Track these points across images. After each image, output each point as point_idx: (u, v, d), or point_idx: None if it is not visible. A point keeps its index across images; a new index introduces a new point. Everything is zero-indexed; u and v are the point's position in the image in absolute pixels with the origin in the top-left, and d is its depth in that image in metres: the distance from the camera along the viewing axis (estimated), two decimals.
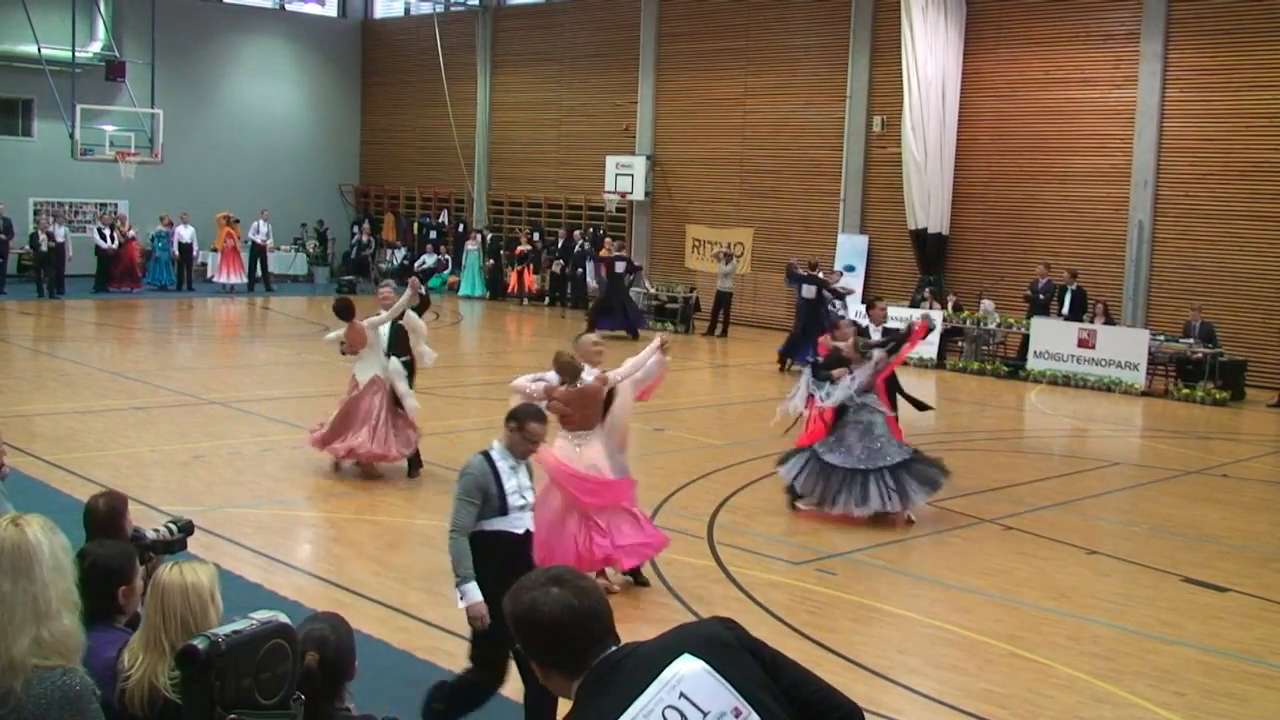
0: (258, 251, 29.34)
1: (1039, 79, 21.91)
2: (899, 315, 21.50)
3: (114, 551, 3.85)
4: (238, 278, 28.91)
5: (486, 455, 5.92)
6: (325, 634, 3.50)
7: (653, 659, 2.54)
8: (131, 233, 28.12)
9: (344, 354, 11.58)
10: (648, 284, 26.47)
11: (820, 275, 20.07)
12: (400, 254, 32.68)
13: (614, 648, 2.58)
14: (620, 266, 23.61)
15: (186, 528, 4.38)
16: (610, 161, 27.67)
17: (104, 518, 4.31)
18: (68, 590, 3.07)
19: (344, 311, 11.34)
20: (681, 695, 2.47)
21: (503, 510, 5.85)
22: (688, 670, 2.50)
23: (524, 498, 5.96)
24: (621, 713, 2.46)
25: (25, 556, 3.02)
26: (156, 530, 4.30)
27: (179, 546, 4.31)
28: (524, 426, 5.93)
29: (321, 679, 3.39)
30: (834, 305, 19.24)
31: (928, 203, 22.47)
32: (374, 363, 11.22)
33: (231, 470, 11.62)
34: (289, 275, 31.03)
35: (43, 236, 26.05)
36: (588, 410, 8.23)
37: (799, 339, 19.15)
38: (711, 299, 24.66)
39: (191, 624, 3.30)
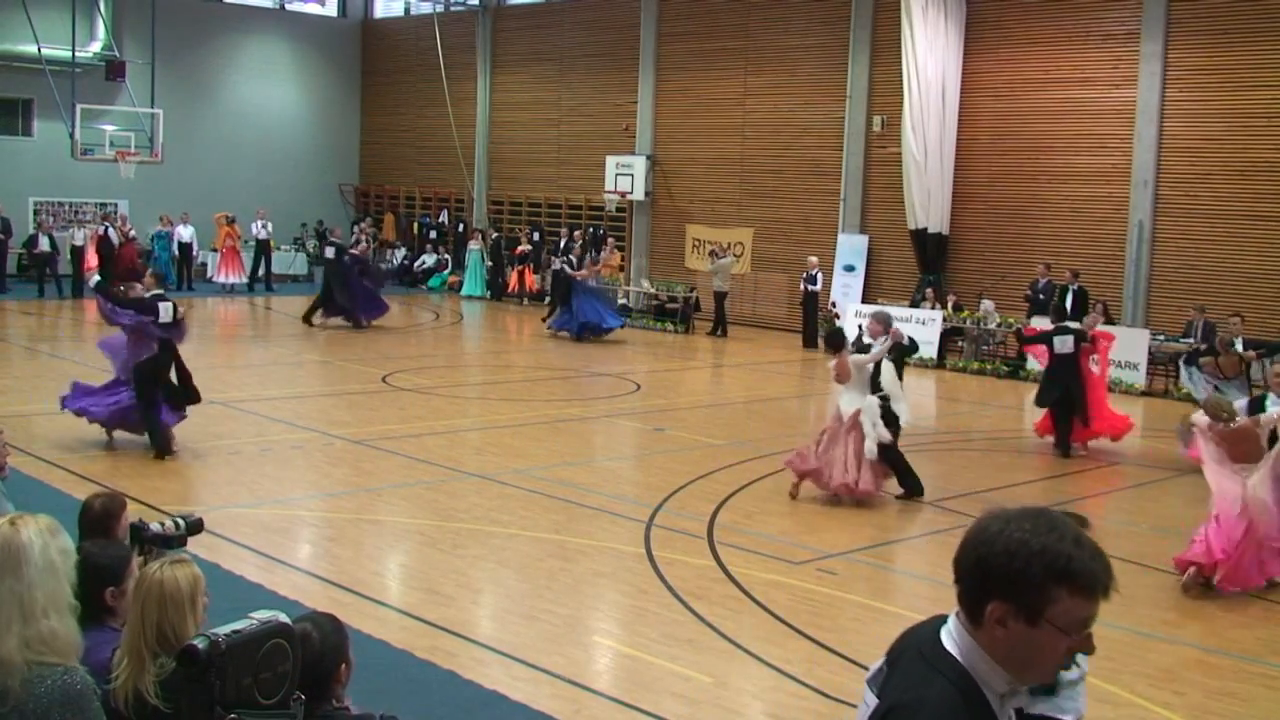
0: (262, 250, 29.34)
1: (1039, 79, 21.91)
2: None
3: (106, 551, 3.83)
4: (237, 278, 28.94)
5: None
6: (308, 632, 3.47)
7: (896, 676, 2.37)
8: (132, 233, 28.12)
9: (837, 381, 11.29)
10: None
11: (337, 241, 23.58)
12: (400, 254, 32.70)
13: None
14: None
15: (194, 526, 4.33)
16: (610, 161, 27.68)
17: (97, 518, 4.29)
18: (57, 591, 3.05)
19: (835, 343, 11.26)
20: None
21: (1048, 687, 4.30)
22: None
23: (1079, 664, 4.41)
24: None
25: (14, 556, 3.01)
26: (162, 524, 4.29)
27: (178, 543, 4.27)
28: None
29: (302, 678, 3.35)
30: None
31: (928, 202, 22.48)
32: (858, 397, 11.03)
33: (231, 470, 11.62)
34: (289, 275, 31.03)
35: (43, 239, 26.08)
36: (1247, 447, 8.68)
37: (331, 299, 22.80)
38: (710, 299, 24.68)
39: (169, 633, 3.27)
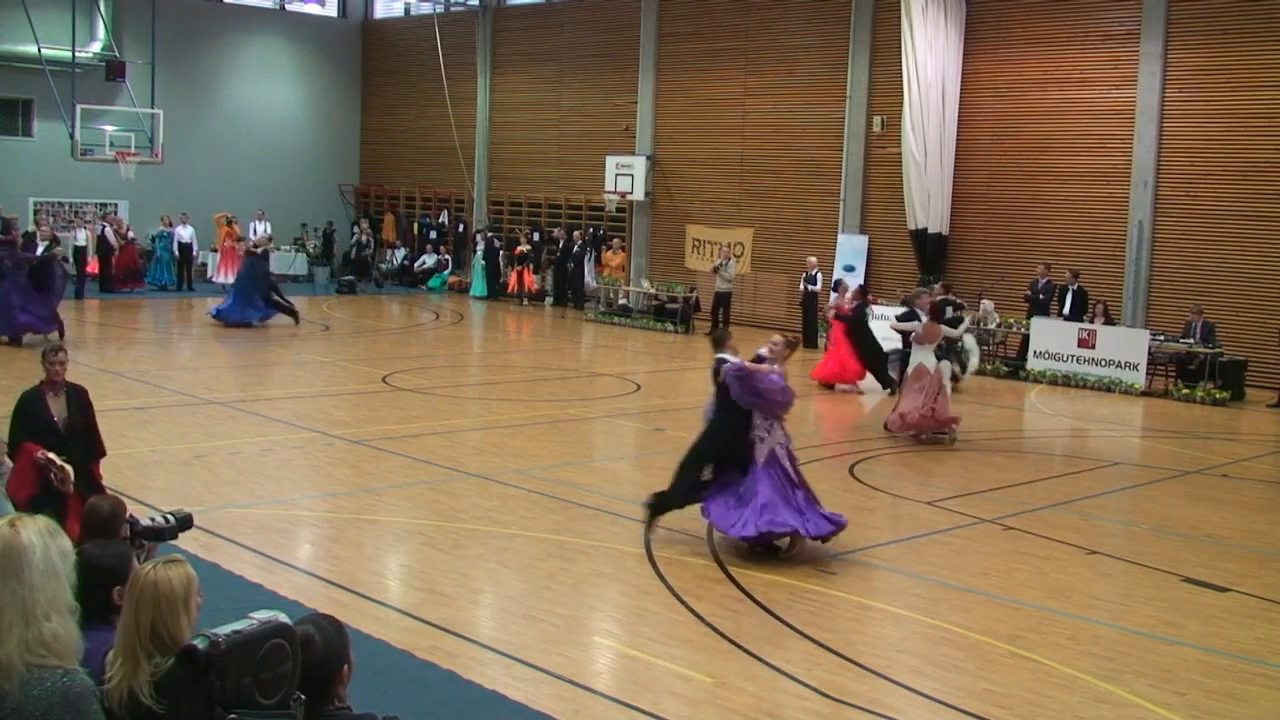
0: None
1: (1039, 79, 21.91)
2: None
3: (109, 551, 3.83)
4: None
5: None
6: (310, 635, 3.46)
7: None
8: (130, 233, 28.12)
9: (915, 342, 14.80)
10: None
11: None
12: (400, 254, 32.71)
13: None
14: None
15: (184, 521, 4.36)
16: (610, 161, 27.68)
17: (106, 520, 4.29)
18: (59, 593, 3.04)
19: (937, 313, 14.94)
20: None
21: None
22: None
23: None
24: None
25: (15, 558, 3.01)
26: (152, 519, 4.30)
27: (170, 535, 4.30)
28: None
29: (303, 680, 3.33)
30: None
31: (928, 203, 22.48)
32: (929, 356, 14.40)
33: (231, 470, 11.62)
34: (289, 275, 30.98)
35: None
36: None
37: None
38: (710, 299, 24.65)
39: (163, 634, 3.26)
